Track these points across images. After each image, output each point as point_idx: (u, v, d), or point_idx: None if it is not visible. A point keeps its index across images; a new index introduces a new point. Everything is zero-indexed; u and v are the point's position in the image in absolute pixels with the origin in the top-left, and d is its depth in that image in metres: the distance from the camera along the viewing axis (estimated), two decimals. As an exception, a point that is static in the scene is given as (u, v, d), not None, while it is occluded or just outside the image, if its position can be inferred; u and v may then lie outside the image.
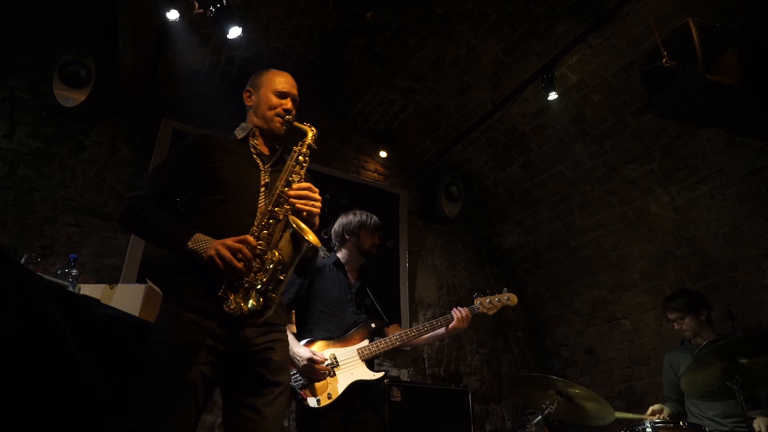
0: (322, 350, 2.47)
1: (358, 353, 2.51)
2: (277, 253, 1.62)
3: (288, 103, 1.92)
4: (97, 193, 3.65)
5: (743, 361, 2.41)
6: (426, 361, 4.59)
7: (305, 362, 2.34)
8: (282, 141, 1.97)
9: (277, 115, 1.89)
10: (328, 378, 2.40)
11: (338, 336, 2.55)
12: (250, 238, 1.61)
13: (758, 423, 2.68)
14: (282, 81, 1.95)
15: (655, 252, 4.17)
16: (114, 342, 1.79)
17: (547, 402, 2.78)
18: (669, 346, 3.88)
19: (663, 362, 3.31)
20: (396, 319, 2.88)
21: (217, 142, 1.83)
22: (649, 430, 2.64)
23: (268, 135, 1.92)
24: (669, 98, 2.63)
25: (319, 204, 1.76)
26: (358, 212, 2.84)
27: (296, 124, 1.89)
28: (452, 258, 5.18)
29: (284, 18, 3.80)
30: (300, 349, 2.39)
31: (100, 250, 3.54)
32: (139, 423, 1.49)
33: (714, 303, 3.46)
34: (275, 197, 1.72)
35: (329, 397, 2.36)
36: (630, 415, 3.20)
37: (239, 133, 1.90)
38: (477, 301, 2.84)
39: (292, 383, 2.36)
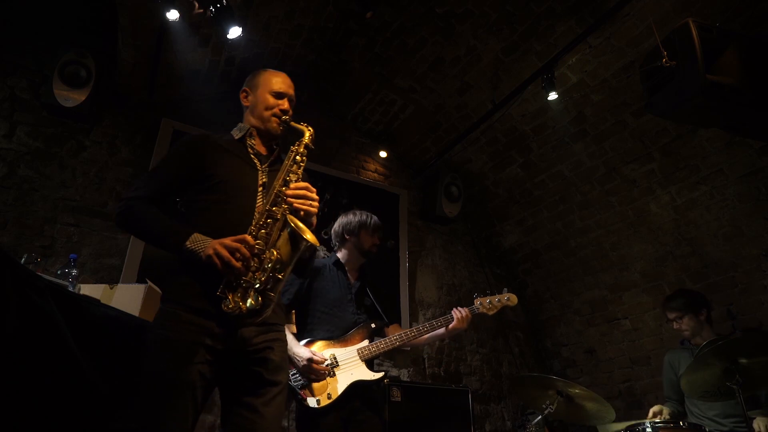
0: (321, 350, 2.47)
1: (358, 353, 2.51)
2: (275, 252, 1.62)
3: (285, 104, 1.92)
4: (97, 193, 3.65)
5: (743, 361, 2.41)
6: (426, 361, 4.59)
7: (305, 362, 2.34)
8: (279, 141, 1.97)
9: (274, 115, 1.89)
10: (328, 378, 2.40)
11: (338, 336, 2.55)
12: (249, 238, 1.61)
13: (758, 423, 2.68)
14: (279, 81, 1.95)
15: (655, 252, 4.17)
16: (114, 342, 1.79)
17: (547, 402, 2.78)
18: (669, 346, 3.87)
19: (663, 362, 3.31)
20: (396, 319, 2.87)
21: (215, 142, 1.83)
22: (649, 430, 2.64)
23: (265, 135, 1.92)
24: (669, 98, 2.63)
25: (316, 204, 1.76)
26: (358, 212, 2.83)
27: (293, 124, 1.89)
28: (452, 258, 5.18)
29: (284, 18, 3.80)
30: (300, 350, 2.39)
31: (100, 250, 3.54)
32: (138, 423, 1.49)
33: (714, 303, 3.46)
34: (273, 197, 1.72)
35: (329, 398, 2.36)
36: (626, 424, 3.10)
37: (236, 134, 1.90)
38: (477, 302, 2.84)
39: (292, 383, 2.36)
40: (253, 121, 1.92)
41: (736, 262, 3.74)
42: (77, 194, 3.58)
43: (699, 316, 3.10)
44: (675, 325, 3.18)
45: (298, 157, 1.81)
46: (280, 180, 1.75)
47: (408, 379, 4.32)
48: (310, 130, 1.87)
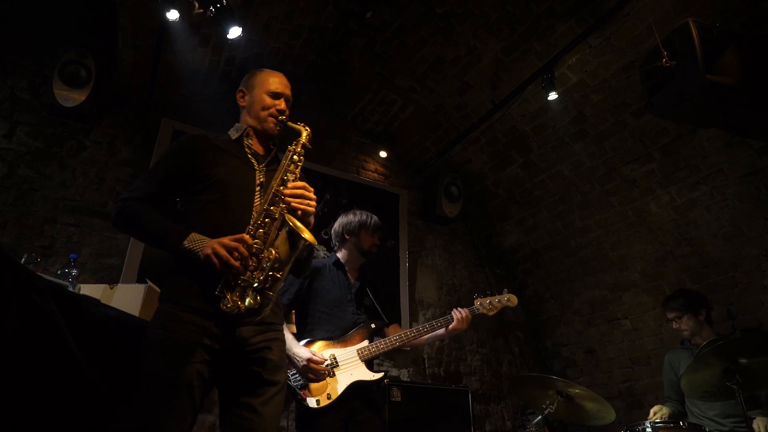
0: (321, 350, 2.47)
1: (358, 353, 2.51)
2: (273, 252, 1.62)
3: (281, 104, 1.92)
4: (97, 193, 3.65)
5: (743, 361, 2.41)
6: (426, 361, 4.59)
7: (305, 362, 2.34)
8: (276, 141, 1.96)
9: (271, 115, 1.90)
10: (328, 378, 2.40)
11: (338, 336, 2.54)
12: (247, 237, 1.61)
13: (758, 423, 2.68)
14: (275, 81, 1.95)
15: (655, 252, 4.17)
16: (114, 342, 1.79)
17: (547, 402, 2.79)
18: (669, 346, 3.87)
19: (663, 362, 3.31)
20: (396, 320, 2.87)
21: (212, 142, 1.83)
22: (649, 430, 2.64)
23: (262, 135, 1.93)
24: (669, 98, 2.63)
25: (314, 203, 1.76)
26: (358, 212, 2.83)
27: (290, 124, 1.89)
28: (452, 258, 5.18)
29: (284, 18, 3.80)
30: (299, 350, 2.39)
31: (100, 250, 3.54)
32: (137, 423, 1.49)
33: (714, 303, 3.46)
34: (271, 196, 1.72)
35: (329, 398, 2.35)
36: None
37: (233, 134, 1.91)
38: (477, 302, 2.83)
39: (292, 383, 2.36)
40: (250, 121, 1.92)
41: (736, 262, 3.74)
42: (77, 194, 3.58)
43: (698, 316, 3.10)
44: (674, 325, 3.18)
45: (295, 157, 1.82)
46: (278, 179, 1.75)
47: (408, 379, 4.32)
48: (307, 130, 1.87)
